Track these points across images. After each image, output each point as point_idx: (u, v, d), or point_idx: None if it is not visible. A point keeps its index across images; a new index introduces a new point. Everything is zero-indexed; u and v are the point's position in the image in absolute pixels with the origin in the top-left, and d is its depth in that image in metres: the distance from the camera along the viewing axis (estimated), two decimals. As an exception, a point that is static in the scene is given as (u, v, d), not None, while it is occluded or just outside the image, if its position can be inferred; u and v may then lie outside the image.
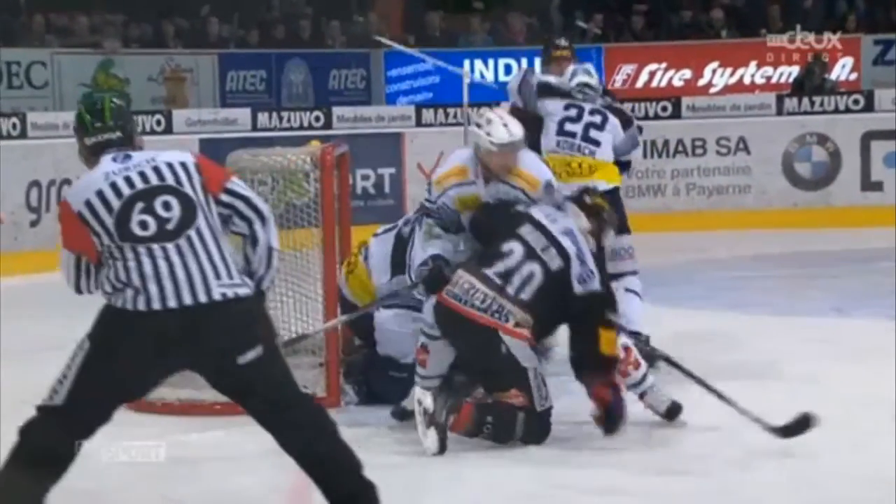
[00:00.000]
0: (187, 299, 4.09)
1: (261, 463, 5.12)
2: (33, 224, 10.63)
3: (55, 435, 4.14)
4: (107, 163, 4.24)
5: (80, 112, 4.38)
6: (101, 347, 4.12)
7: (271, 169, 6.35)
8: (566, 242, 5.66)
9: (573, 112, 7.20)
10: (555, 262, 5.62)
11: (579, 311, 5.60)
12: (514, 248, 5.66)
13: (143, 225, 4.14)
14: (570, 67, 7.35)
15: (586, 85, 7.24)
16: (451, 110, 12.30)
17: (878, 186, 12.59)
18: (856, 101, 13.05)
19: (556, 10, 15.08)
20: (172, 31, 13.77)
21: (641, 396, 5.92)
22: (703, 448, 5.52)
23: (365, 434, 5.74)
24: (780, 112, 12.73)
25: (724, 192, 12.42)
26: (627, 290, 7.08)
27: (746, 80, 14.46)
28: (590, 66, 7.57)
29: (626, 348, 5.88)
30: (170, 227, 4.14)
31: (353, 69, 14.15)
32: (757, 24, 14.49)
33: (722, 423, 5.65)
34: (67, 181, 10.13)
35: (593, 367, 5.59)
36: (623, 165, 7.29)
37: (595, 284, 5.63)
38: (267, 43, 14.14)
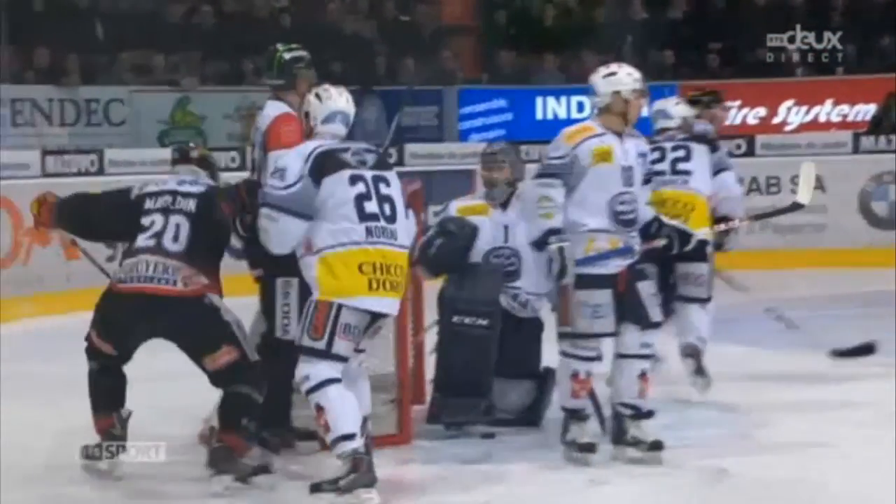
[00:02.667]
0: None
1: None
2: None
3: None
4: None
5: None
6: None
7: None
8: None
9: (657, 155, 7.20)
10: None
11: None
12: None
13: None
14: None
15: (663, 129, 7.26)
16: (523, 147, 12.28)
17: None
18: (937, 141, 12.91)
19: (630, 48, 15.01)
20: (250, 69, 13.86)
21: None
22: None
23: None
24: (856, 150, 12.61)
25: (800, 230, 12.29)
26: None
27: (822, 119, 14.33)
28: (663, 106, 7.51)
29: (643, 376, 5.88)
30: None
31: (427, 106, 14.17)
32: (833, 63, 14.36)
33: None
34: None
35: None
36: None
37: None
38: (342, 80, 14.20)
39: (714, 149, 7.46)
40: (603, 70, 6.10)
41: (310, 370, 5.29)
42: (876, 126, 13.22)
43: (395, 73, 14.54)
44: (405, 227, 5.49)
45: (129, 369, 5.72)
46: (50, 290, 9.81)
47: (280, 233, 5.37)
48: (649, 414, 5.98)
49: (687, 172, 7.32)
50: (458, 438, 6.33)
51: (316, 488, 5.27)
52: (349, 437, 5.23)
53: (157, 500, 5.52)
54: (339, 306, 5.26)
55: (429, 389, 6.68)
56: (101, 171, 11.16)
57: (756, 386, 7.50)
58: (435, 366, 6.52)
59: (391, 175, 5.51)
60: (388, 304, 5.41)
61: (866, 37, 14.53)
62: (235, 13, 14.24)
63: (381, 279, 5.32)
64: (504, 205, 6.72)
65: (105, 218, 5.74)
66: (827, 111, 14.32)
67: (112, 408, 5.63)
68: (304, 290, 5.73)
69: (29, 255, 9.65)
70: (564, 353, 5.94)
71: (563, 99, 14.36)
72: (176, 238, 5.51)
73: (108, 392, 5.63)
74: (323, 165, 5.33)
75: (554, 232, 5.81)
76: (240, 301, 5.93)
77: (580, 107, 14.22)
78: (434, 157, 12.34)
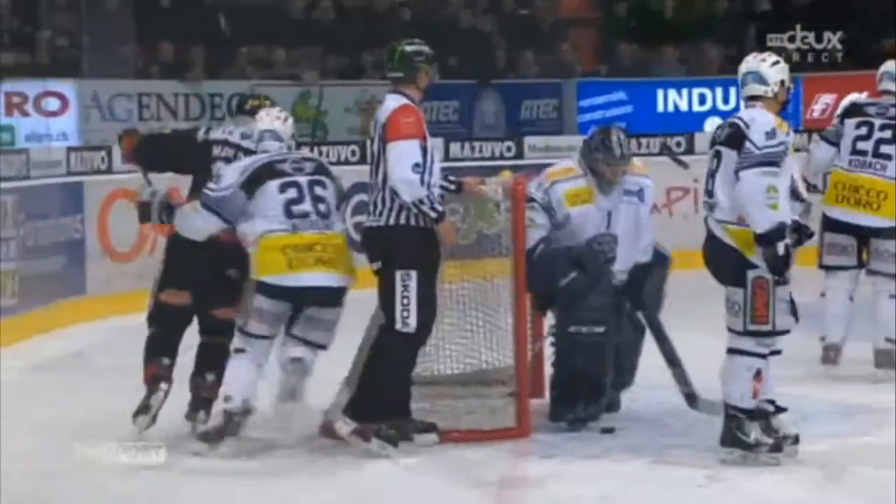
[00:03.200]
0: None
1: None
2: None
3: None
4: None
5: None
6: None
7: (463, 198, 6.34)
8: None
9: (864, 130, 7.27)
10: None
11: None
12: None
13: None
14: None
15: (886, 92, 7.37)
16: (643, 140, 12.18)
17: None
18: None
19: (752, 40, 14.81)
20: (370, 62, 13.92)
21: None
22: None
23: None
24: None
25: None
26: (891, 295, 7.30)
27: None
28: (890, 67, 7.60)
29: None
30: None
31: (546, 99, 14.11)
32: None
33: None
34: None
35: None
36: None
37: None
38: (461, 73, 14.21)
39: None
40: (768, 58, 6.02)
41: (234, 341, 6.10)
42: None
43: (515, 67, 14.49)
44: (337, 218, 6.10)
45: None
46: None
47: (193, 221, 6.10)
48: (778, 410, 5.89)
49: (888, 157, 7.23)
50: (578, 432, 6.29)
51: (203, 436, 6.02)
52: (227, 398, 6.01)
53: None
54: (255, 290, 5.95)
55: (548, 384, 6.65)
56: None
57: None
58: (553, 370, 6.47)
59: (328, 179, 6.11)
60: (311, 278, 5.92)
61: None
62: (355, 8, 14.29)
63: (303, 257, 5.91)
64: (608, 191, 6.62)
65: (175, 150, 6.51)
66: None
67: (162, 355, 6.24)
68: (424, 282, 5.75)
69: (154, 248, 9.76)
70: (747, 352, 5.74)
71: (685, 91, 14.19)
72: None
73: (163, 340, 6.28)
74: (256, 177, 6.00)
75: (783, 224, 5.63)
76: (357, 294, 5.97)
77: (702, 99, 14.06)
78: (553, 149, 12.24)
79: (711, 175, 5.81)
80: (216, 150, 6.29)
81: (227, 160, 6.22)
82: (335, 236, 6.02)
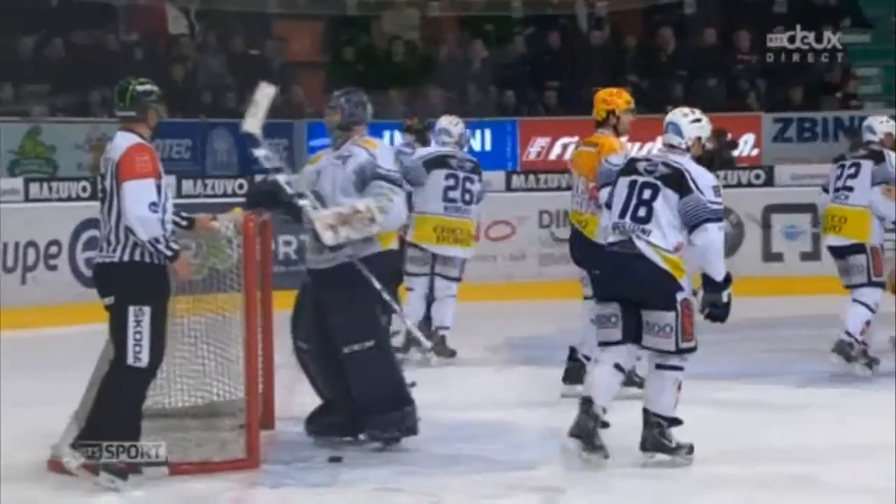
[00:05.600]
0: None
1: None
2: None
3: None
4: None
5: None
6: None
7: (195, 234, 6.29)
8: None
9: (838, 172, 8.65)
10: None
11: None
12: None
13: None
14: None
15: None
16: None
17: (778, 257, 12.76)
18: (757, 176, 13.26)
19: (472, 85, 15.17)
20: (99, 100, 13.67)
21: None
22: None
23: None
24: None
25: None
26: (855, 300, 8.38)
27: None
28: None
29: None
30: None
31: (277, 139, 14.09)
32: (661, 102, 14.66)
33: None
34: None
35: None
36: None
37: None
38: (193, 112, 14.08)
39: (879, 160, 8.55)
40: (690, 114, 6.55)
41: None
42: (707, 162, 13.49)
43: (246, 106, 14.43)
44: None
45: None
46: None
47: None
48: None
49: (850, 189, 8.58)
50: (306, 462, 6.28)
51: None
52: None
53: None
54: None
55: (278, 414, 6.64)
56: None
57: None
58: (352, 394, 6.43)
59: None
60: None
61: (692, 78, 14.87)
62: (84, 46, 14.02)
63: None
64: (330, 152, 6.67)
65: None
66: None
67: None
68: (156, 318, 5.70)
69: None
70: (675, 367, 6.12)
71: (409, 132, 14.38)
72: None
73: None
74: None
75: (729, 274, 6.35)
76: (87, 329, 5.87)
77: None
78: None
79: (645, 203, 6.12)
80: None
81: None
82: None
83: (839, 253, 8.57)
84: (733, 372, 8.65)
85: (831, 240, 8.63)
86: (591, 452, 6.04)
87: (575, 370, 7.59)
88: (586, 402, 6.06)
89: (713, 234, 6.09)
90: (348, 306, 6.35)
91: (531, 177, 13.41)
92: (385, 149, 6.72)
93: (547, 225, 12.84)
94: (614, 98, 7.77)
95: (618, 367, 6.13)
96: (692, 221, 6.07)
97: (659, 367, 6.15)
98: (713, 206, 6.11)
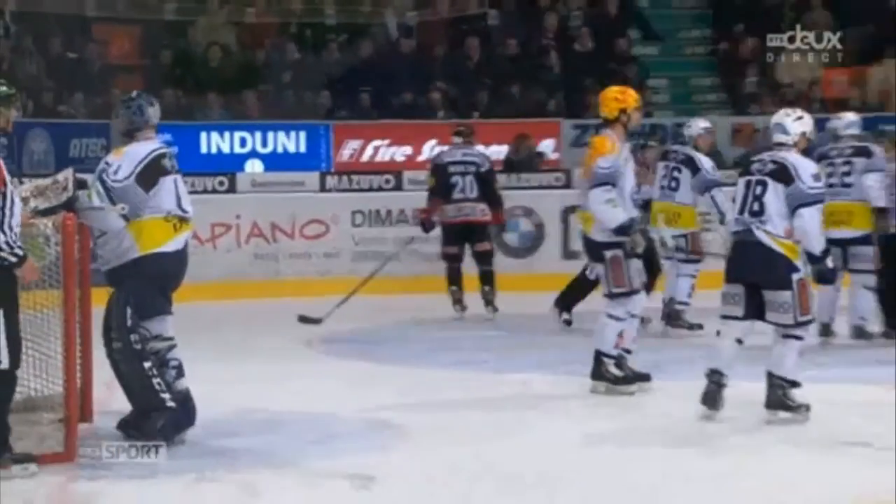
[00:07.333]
0: None
1: None
2: None
3: None
4: None
5: None
6: None
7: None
8: None
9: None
10: None
11: None
12: None
13: None
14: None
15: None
16: (188, 179, 12.10)
17: (576, 255, 12.96)
18: (557, 179, 13.52)
19: (287, 88, 15.11)
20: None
21: None
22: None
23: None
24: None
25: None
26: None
27: (461, 157, 14.68)
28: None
29: None
30: None
31: (94, 138, 13.82)
32: (469, 108, 14.85)
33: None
34: None
35: None
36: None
37: None
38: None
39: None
40: (792, 113, 7.08)
41: None
42: (509, 165, 13.71)
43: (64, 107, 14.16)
44: None
45: None
46: None
47: None
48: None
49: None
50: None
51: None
52: None
53: None
54: None
55: (97, 409, 6.52)
56: None
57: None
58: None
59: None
60: None
61: (496, 86, 15.06)
62: None
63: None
64: None
65: None
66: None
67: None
68: (10, 319, 5.68)
69: None
70: (797, 337, 6.86)
71: (227, 134, 14.28)
72: None
73: None
74: None
75: None
76: None
77: (242, 142, 14.19)
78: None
79: (757, 198, 6.81)
80: None
81: None
82: None
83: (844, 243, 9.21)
84: (532, 363, 8.82)
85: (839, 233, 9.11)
86: (714, 410, 6.81)
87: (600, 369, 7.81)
88: (714, 373, 6.81)
89: (807, 217, 6.72)
90: (111, 310, 6.39)
91: (344, 178, 13.47)
92: (129, 157, 6.48)
93: (360, 224, 12.88)
94: (625, 97, 7.72)
95: (739, 341, 6.83)
96: (791, 207, 6.73)
97: (784, 336, 6.82)
98: (812, 191, 6.78)
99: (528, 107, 14.70)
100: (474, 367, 8.76)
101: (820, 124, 8.62)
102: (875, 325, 9.45)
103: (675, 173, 10.00)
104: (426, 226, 11.18)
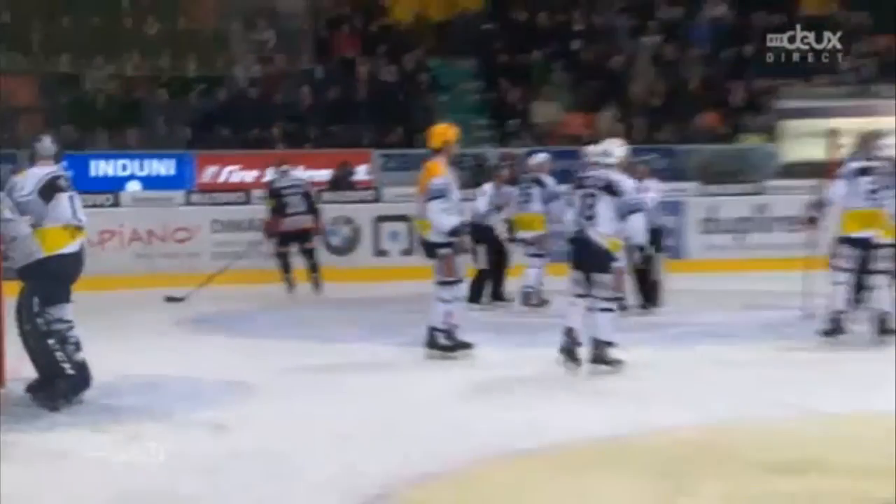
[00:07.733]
0: None
1: None
2: None
3: None
4: None
5: None
6: None
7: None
8: None
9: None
10: None
11: None
12: None
13: None
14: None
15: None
16: (84, 196, 11.76)
17: (385, 253, 13.16)
18: (371, 195, 13.62)
19: (159, 126, 14.83)
20: None
21: None
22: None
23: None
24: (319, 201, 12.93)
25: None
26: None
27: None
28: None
29: None
30: None
31: (4, 165, 13.22)
32: (301, 141, 14.83)
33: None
34: None
35: None
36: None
37: None
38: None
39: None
40: (615, 141, 7.26)
41: None
42: (334, 185, 13.75)
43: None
44: None
45: None
46: None
47: None
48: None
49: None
50: (28, 410, 5.98)
51: None
52: None
53: None
54: None
55: (9, 376, 6.34)
56: None
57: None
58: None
59: None
60: None
61: (325, 123, 15.04)
62: None
63: None
64: None
65: None
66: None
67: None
68: None
69: None
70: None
71: (112, 161, 14.00)
72: None
73: None
74: None
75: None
76: None
77: (124, 167, 13.90)
78: None
79: (590, 207, 6.96)
80: None
81: None
82: None
83: (866, 245, 7.76)
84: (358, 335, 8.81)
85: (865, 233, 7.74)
86: (572, 362, 6.88)
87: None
88: (570, 331, 6.87)
89: (633, 220, 6.97)
90: (22, 300, 6.22)
91: (206, 195, 13.42)
92: (31, 177, 6.30)
93: (217, 231, 12.81)
94: (447, 132, 7.60)
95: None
96: (621, 215, 6.92)
97: (601, 309, 6.90)
98: (633, 201, 7.02)
99: (347, 140, 14.74)
100: (312, 338, 8.74)
101: (564, 154, 8.88)
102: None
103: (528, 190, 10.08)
104: (269, 233, 11.56)
